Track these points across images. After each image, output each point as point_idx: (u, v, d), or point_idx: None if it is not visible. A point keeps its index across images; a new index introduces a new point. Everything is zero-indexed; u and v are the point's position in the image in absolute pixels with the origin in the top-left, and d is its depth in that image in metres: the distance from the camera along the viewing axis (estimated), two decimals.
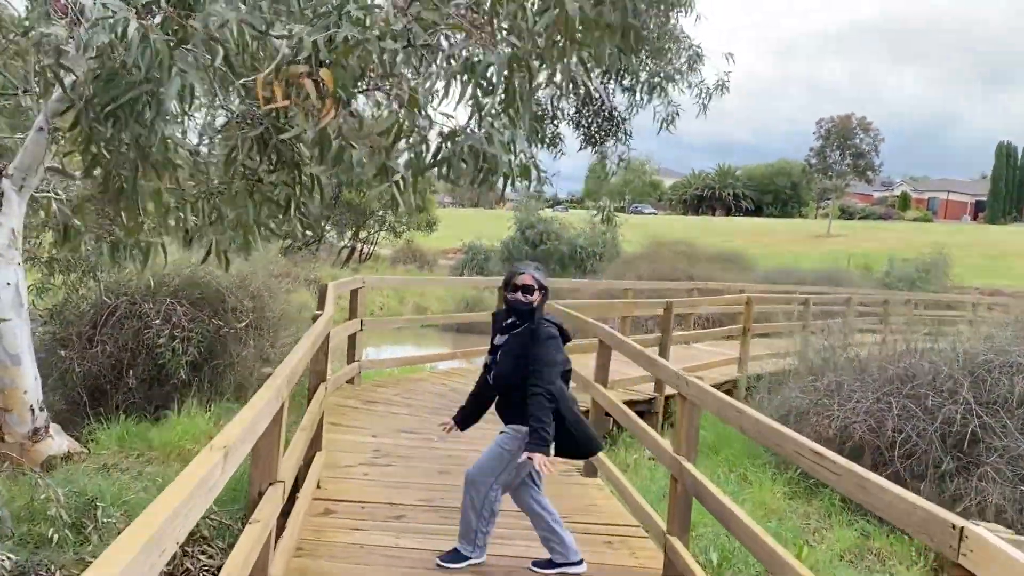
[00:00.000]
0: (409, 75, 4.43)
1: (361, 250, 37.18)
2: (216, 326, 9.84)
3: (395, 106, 4.28)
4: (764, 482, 8.26)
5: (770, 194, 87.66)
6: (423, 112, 4.12)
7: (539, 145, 8.33)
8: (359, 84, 4.11)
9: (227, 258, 5.68)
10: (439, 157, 3.70)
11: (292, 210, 4.54)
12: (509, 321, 4.53)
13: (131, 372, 9.51)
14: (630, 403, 9.56)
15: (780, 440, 3.39)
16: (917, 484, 7.34)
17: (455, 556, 4.49)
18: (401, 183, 3.73)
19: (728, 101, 8.61)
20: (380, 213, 33.92)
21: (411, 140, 4.09)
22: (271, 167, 4.48)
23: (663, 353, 9.92)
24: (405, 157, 4.22)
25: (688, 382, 4.31)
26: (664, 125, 7.48)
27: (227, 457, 2.41)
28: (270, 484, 3.30)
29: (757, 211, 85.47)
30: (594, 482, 6.17)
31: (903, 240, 48.68)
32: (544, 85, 5.11)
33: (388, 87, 4.31)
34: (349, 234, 35.78)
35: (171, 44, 3.72)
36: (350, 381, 8.91)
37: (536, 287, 4.47)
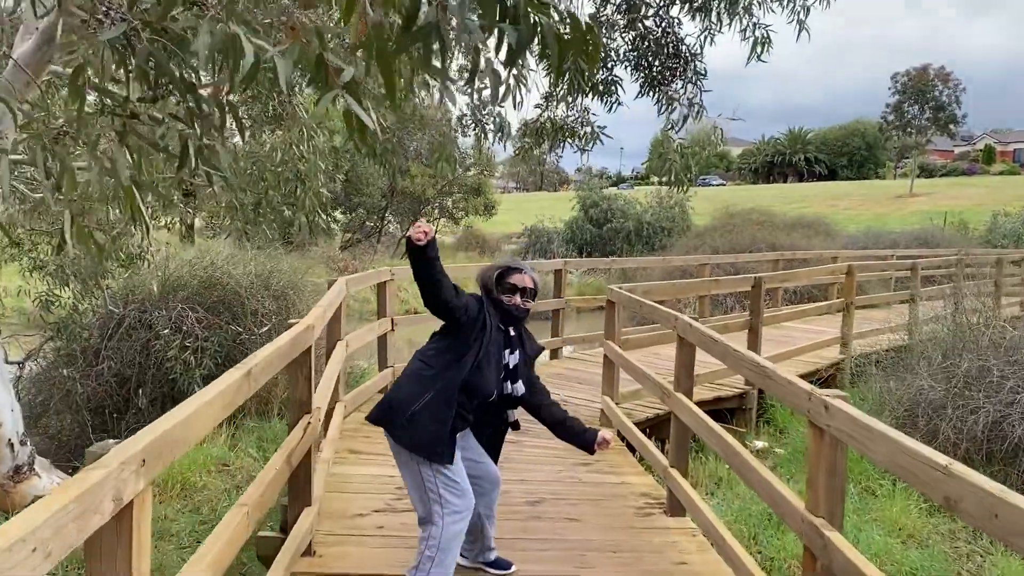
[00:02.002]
0: None
1: None
2: (234, 332, 8.63)
3: None
4: (894, 494, 6.63)
5: (844, 157, 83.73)
6: None
7: (587, 95, 6.81)
8: None
9: (98, 245, 4.17)
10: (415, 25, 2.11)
11: (192, 161, 3.08)
12: (508, 331, 3.78)
13: (140, 391, 8.37)
14: (716, 399, 8.05)
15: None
16: None
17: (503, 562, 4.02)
18: (352, 95, 2.25)
19: (795, 65, 6.99)
20: (436, 201, 32.71)
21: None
22: (149, 90, 3.05)
23: (755, 339, 8.31)
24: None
25: (828, 406, 2.78)
26: (755, 52, 5.85)
27: None
28: None
29: (831, 175, 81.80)
30: (682, 525, 4.65)
31: (992, 195, 45.48)
32: None
33: None
34: (407, 223, 34.62)
35: None
36: (383, 391, 7.55)
37: (535, 291, 3.87)
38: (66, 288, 9.41)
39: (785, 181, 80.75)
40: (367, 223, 33.33)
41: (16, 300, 10.60)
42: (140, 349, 8.53)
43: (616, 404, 6.75)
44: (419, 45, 2.03)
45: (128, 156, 3.15)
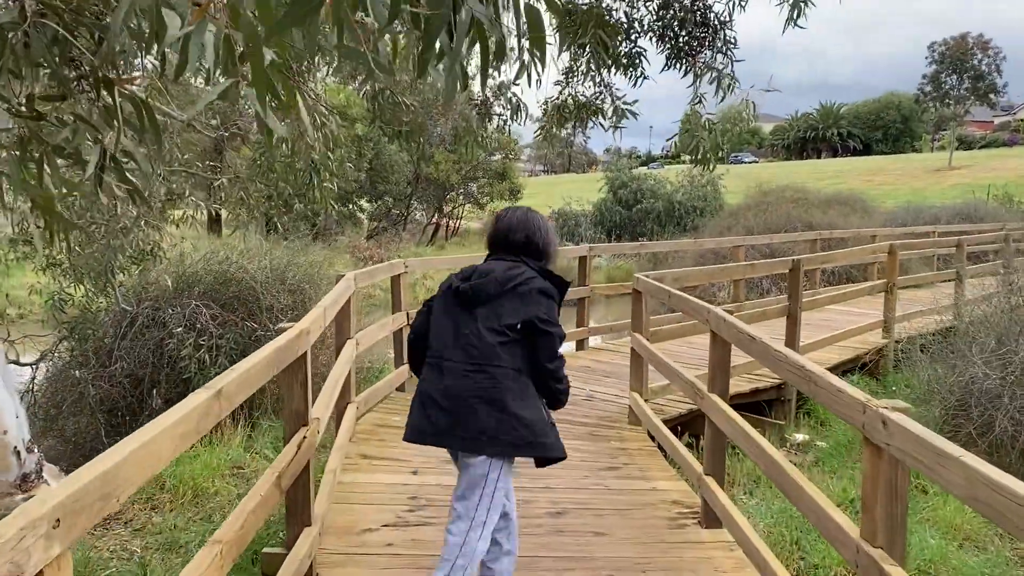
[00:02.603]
0: None
1: (448, 226, 35.70)
2: (250, 329, 8.33)
3: None
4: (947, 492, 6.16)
5: (879, 131, 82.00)
6: None
7: (611, 69, 6.37)
8: None
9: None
10: None
11: (101, 164, 2.61)
12: None
13: (155, 391, 8.14)
14: (754, 392, 7.62)
15: None
16: None
17: None
18: (260, 85, 1.85)
19: (826, 39, 6.51)
20: (461, 187, 32.34)
21: None
22: (55, 86, 2.67)
23: (793, 327, 7.86)
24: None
25: (886, 422, 2.37)
26: (792, 16, 5.39)
27: None
28: None
29: (866, 150, 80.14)
30: (718, 538, 4.25)
31: None
32: None
33: None
34: (432, 210, 34.35)
35: None
36: (400, 388, 7.23)
37: None
38: (80, 286, 9.18)
39: (819, 157, 79.26)
40: (393, 211, 33.07)
41: (38, 297, 10.42)
42: (153, 348, 8.29)
43: (645, 400, 6.36)
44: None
45: (26, 166, 2.75)
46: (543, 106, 6.71)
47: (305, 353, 3.59)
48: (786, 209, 19.30)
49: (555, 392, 3.35)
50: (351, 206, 32.90)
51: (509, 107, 5.81)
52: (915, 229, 16.41)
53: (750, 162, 74.36)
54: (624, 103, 6.42)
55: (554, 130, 6.70)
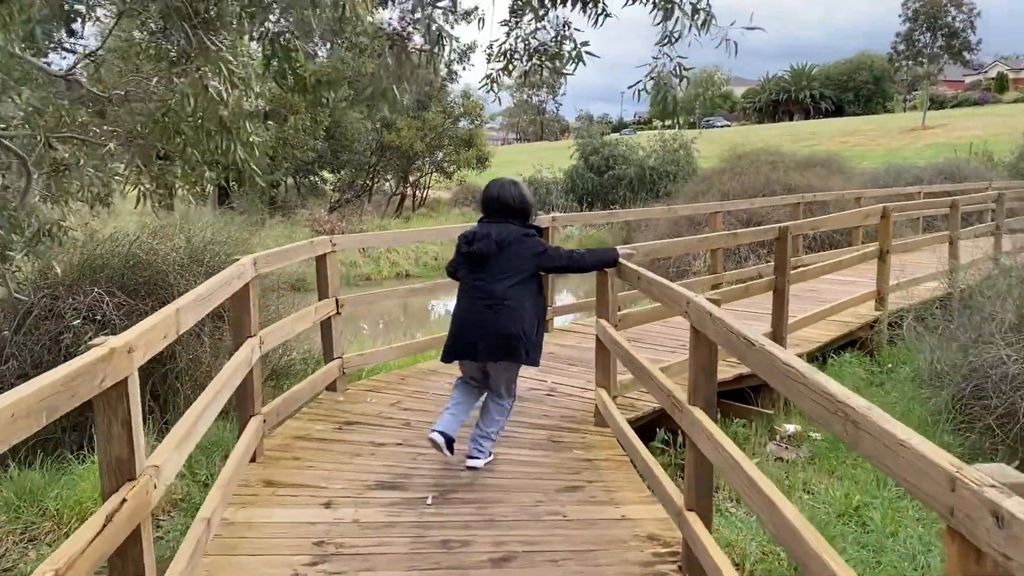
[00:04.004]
0: None
1: (414, 196, 34.43)
2: None
3: None
4: None
5: (850, 92, 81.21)
6: None
7: (566, 2, 5.28)
8: None
9: None
10: None
11: None
12: None
13: None
14: (738, 379, 6.67)
15: None
16: None
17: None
18: None
19: (795, 2, 5.53)
20: (426, 155, 31.05)
21: None
22: None
23: (781, 303, 6.90)
24: None
25: (1002, 516, 1.38)
26: None
27: None
28: None
29: (838, 111, 79.40)
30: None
31: (1009, 123, 43.45)
32: None
33: None
34: (397, 180, 33.05)
35: None
36: (331, 387, 6.18)
37: None
38: None
39: (791, 119, 78.43)
40: (356, 181, 31.76)
41: None
42: (49, 344, 7.18)
43: (614, 398, 5.37)
44: None
45: None
46: (487, 50, 5.63)
47: (125, 380, 2.53)
48: (764, 172, 18.31)
49: (586, 268, 5.10)
50: (313, 177, 31.57)
51: (428, 37, 4.72)
52: (900, 190, 15.50)
53: (722, 126, 73.24)
54: (580, 44, 5.35)
55: (502, 78, 5.63)
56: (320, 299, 6.09)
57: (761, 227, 7.65)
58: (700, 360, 3.31)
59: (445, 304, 12.68)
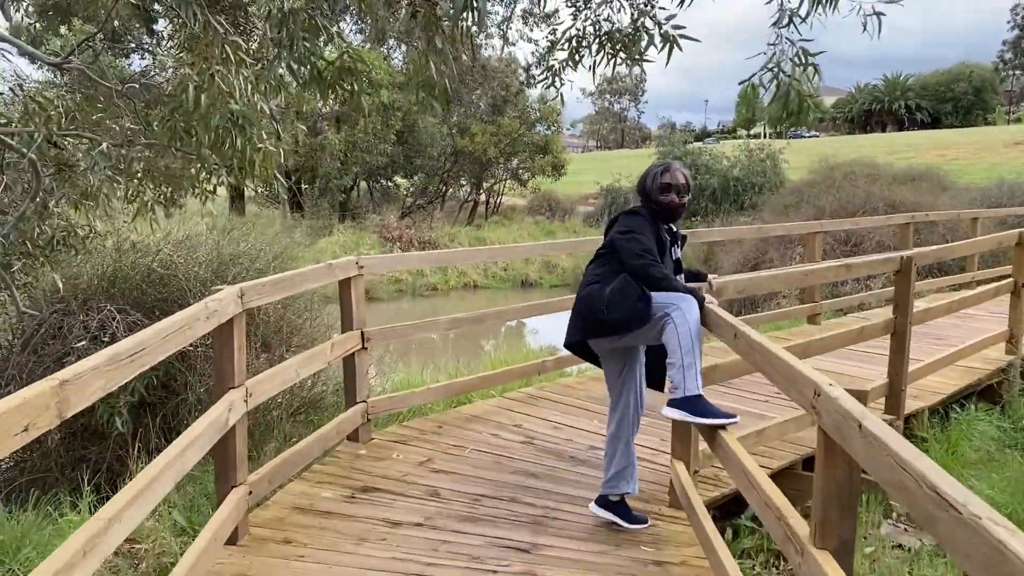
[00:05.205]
0: None
1: (487, 203, 33.52)
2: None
3: None
4: None
5: (948, 103, 77.25)
6: None
7: None
8: None
9: None
10: None
11: None
12: (671, 227, 4.16)
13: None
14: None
15: None
16: None
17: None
18: None
19: (890, 8, 4.40)
20: (500, 161, 30.12)
21: None
22: None
23: (901, 349, 5.64)
24: None
25: None
26: None
27: None
28: None
29: (934, 123, 75.64)
30: None
31: None
32: None
33: None
34: (470, 186, 32.20)
35: None
36: (352, 436, 5.19)
37: (688, 186, 4.15)
38: None
39: (883, 131, 75.08)
40: (429, 187, 31.03)
41: None
42: (52, 367, 6.42)
43: (694, 473, 4.24)
44: None
45: None
46: (548, 36, 4.58)
47: None
48: (863, 186, 16.70)
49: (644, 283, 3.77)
50: (386, 182, 31.01)
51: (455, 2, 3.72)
52: (1019, 211, 13.80)
53: (810, 136, 70.52)
54: (673, 28, 4.25)
55: (566, 70, 4.57)
56: (343, 331, 5.12)
57: (878, 257, 6.36)
58: (833, 482, 2.18)
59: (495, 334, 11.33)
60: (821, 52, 4.91)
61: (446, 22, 4.11)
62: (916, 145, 51.53)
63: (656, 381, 4.05)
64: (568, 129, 44.20)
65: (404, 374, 8.37)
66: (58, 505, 5.46)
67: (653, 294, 3.69)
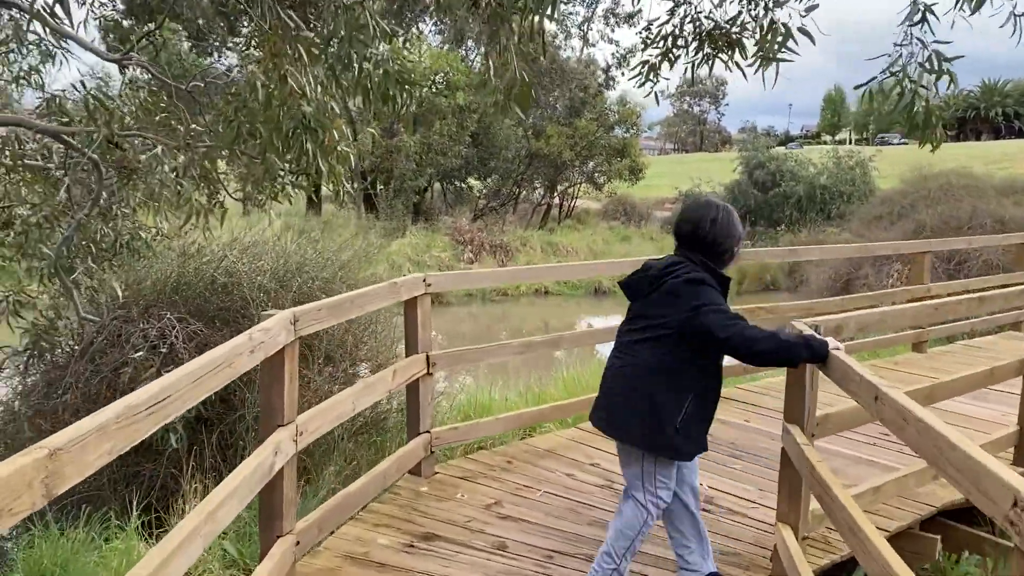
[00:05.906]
0: None
1: (561, 206, 32.97)
2: None
3: None
4: None
5: None
6: None
7: None
8: None
9: None
10: None
11: None
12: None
13: None
14: None
15: None
16: None
17: None
18: None
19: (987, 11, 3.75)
20: (575, 164, 29.53)
21: None
22: None
23: None
24: None
25: None
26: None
27: None
28: None
29: None
30: None
31: None
32: None
33: None
34: (543, 189, 31.68)
35: None
36: (414, 470, 4.75)
37: None
38: (47, 283, 7.13)
39: (978, 139, 71.83)
40: (503, 190, 30.65)
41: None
42: (109, 377, 6.19)
43: (802, 539, 3.66)
44: None
45: None
46: (641, 33, 4.06)
47: None
48: (969, 200, 15.61)
49: (752, 359, 3.25)
50: (460, 183, 30.76)
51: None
52: None
53: (899, 143, 67.87)
54: (783, 24, 3.68)
55: (660, 68, 4.05)
56: (407, 354, 4.69)
57: (1015, 289, 5.63)
58: None
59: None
60: (959, 57, 4.29)
61: (515, 14, 3.64)
62: (1013, 155, 49.00)
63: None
64: (645, 132, 43.26)
65: (472, 390, 7.90)
66: (107, 526, 5.20)
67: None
